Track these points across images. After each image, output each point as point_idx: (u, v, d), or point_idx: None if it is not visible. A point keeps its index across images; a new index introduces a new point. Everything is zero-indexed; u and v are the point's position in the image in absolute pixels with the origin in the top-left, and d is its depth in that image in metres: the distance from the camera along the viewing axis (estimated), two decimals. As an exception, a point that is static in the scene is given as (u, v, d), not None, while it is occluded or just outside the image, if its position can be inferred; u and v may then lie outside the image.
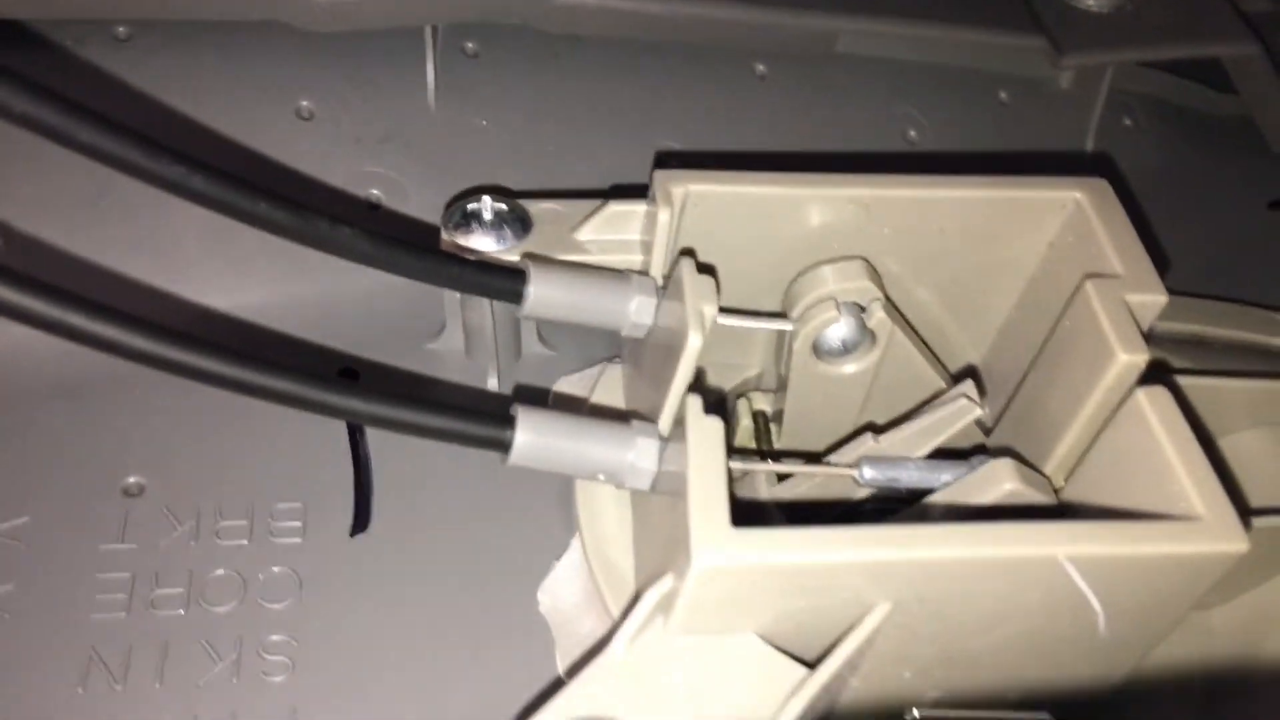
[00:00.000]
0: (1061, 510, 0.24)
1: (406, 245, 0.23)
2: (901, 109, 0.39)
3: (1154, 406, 0.22)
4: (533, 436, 0.23)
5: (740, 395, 0.30)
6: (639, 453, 0.23)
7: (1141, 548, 0.20)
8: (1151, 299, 0.24)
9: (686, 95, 0.36)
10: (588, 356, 0.30)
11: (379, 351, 0.30)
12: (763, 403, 0.30)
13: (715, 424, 0.21)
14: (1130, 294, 0.24)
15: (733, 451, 0.29)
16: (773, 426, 0.29)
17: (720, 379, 0.30)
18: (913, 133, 0.39)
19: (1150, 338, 0.34)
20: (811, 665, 0.20)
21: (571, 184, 0.33)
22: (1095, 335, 0.24)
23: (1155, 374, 0.24)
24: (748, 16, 0.34)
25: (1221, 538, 0.20)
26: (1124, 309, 0.24)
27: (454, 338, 0.30)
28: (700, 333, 0.23)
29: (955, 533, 0.20)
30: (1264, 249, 0.43)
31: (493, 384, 0.30)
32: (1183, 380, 0.29)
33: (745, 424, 0.29)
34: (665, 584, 0.20)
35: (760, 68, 0.38)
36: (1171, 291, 0.36)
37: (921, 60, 0.39)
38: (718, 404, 0.30)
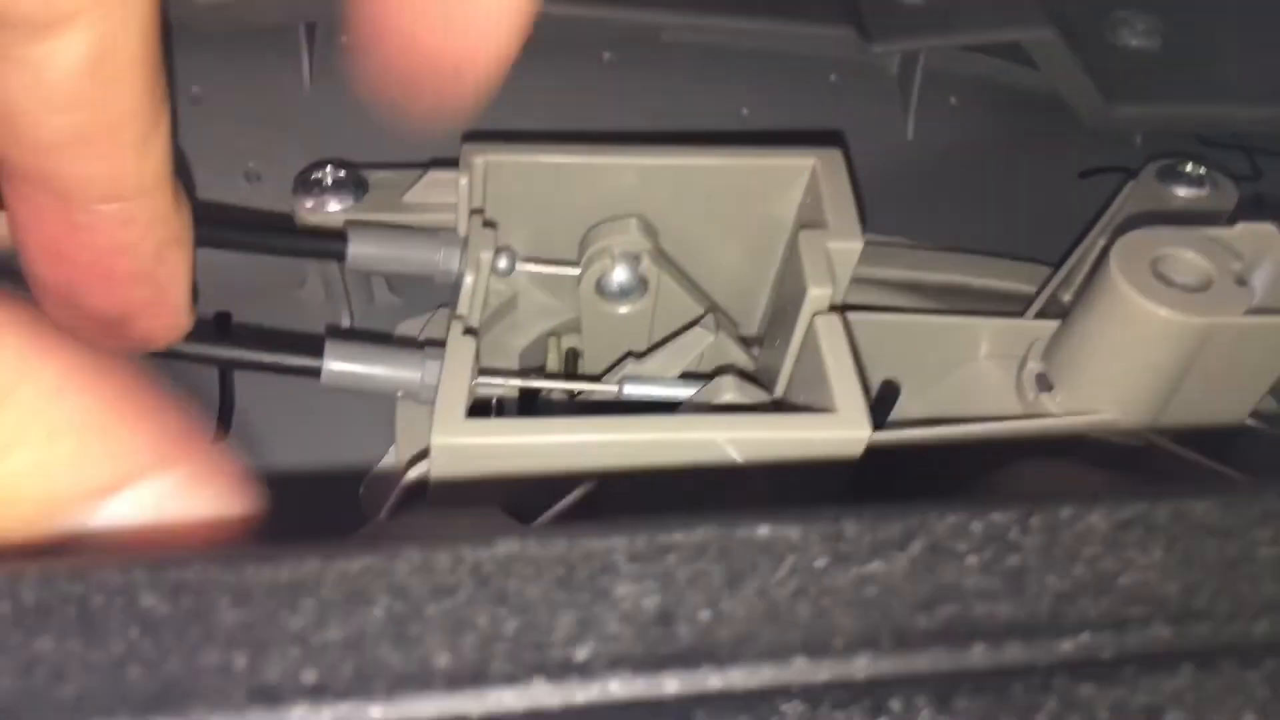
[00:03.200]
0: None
1: (236, 226, 0.29)
2: (737, 91, 0.44)
3: (824, 328, 0.28)
4: (338, 363, 0.28)
5: (553, 334, 0.35)
6: (426, 371, 0.29)
7: (784, 432, 0.25)
8: (849, 245, 0.30)
9: (538, 81, 0.42)
10: (430, 302, 0.36)
11: (252, 300, 0.35)
12: (576, 342, 0.36)
13: (469, 340, 0.27)
14: (831, 242, 0.30)
15: (539, 374, 0.35)
16: (580, 361, 0.35)
17: (542, 321, 0.36)
18: (745, 111, 0.44)
19: (919, 287, 0.39)
20: (540, 528, 0.26)
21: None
22: (799, 274, 0.29)
23: (849, 307, 0.29)
24: (579, 11, 0.39)
25: (849, 427, 0.25)
26: (823, 253, 0.29)
27: (315, 288, 0.36)
28: (474, 272, 0.29)
29: (639, 421, 0.25)
30: (1074, 213, 0.48)
31: (345, 325, 0.36)
32: (935, 318, 0.35)
33: (553, 357, 0.35)
34: (423, 466, 0.26)
35: (607, 55, 0.43)
36: (961, 249, 0.42)
37: (755, 47, 0.44)
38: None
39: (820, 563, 0.15)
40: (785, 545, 0.15)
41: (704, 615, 0.14)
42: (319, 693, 0.13)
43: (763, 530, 0.15)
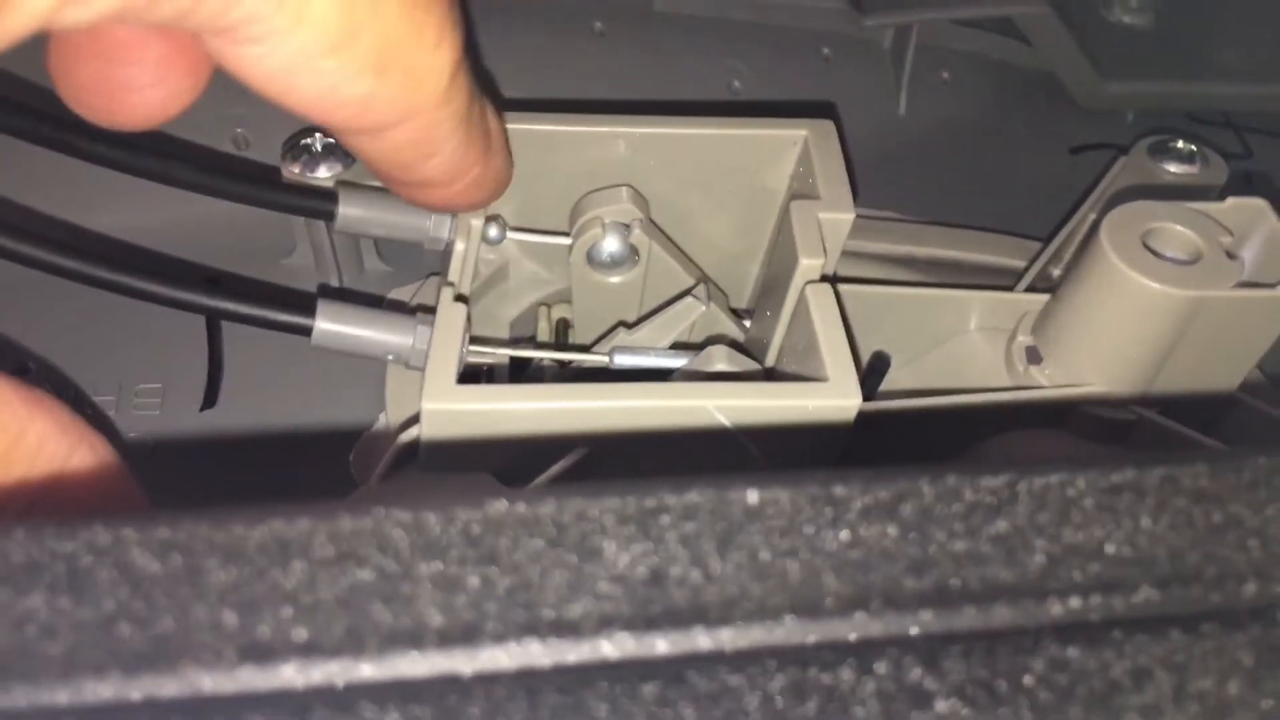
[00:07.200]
0: (765, 386, 0.30)
1: (228, 174, 0.29)
2: (729, 63, 0.44)
3: (815, 298, 0.28)
4: (329, 324, 0.28)
5: (543, 304, 0.35)
6: (418, 337, 0.29)
7: (775, 400, 0.25)
8: (841, 217, 0.30)
9: (531, 52, 0.42)
10: (420, 271, 0.36)
11: (242, 266, 0.35)
12: (567, 312, 0.36)
13: (460, 307, 0.27)
14: (823, 212, 0.30)
15: (529, 344, 0.35)
16: (571, 330, 0.35)
17: (532, 291, 0.36)
18: (737, 84, 0.44)
19: (912, 261, 0.39)
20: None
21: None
22: (791, 245, 0.29)
23: (841, 279, 0.29)
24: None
25: (840, 395, 0.25)
26: (814, 224, 0.29)
27: (304, 254, 0.36)
28: (465, 239, 0.29)
29: (630, 388, 0.25)
30: (1065, 190, 0.48)
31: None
32: (926, 291, 0.35)
33: (543, 326, 0.35)
34: (414, 431, 0.26)
35: (599, 25, 0.43)
36: (952, 224, 0.42)
37: (747, 19, 0.44)
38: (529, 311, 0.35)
39: (810, 526, 0.15)
40: (775, 508, 0.15)
41: (694, 576, 0.14)
42: (310, 650, 0.13)
43: (752, 494, 0.15)
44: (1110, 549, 0.15)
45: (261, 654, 0.13)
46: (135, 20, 0.16)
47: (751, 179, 0.33)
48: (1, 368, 0.32)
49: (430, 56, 0.20)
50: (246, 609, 0.13)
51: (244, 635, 0.13)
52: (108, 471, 0.18)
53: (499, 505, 0.14)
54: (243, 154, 0.38)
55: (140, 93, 0.19)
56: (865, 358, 0.34)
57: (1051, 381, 0.31)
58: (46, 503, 0.18)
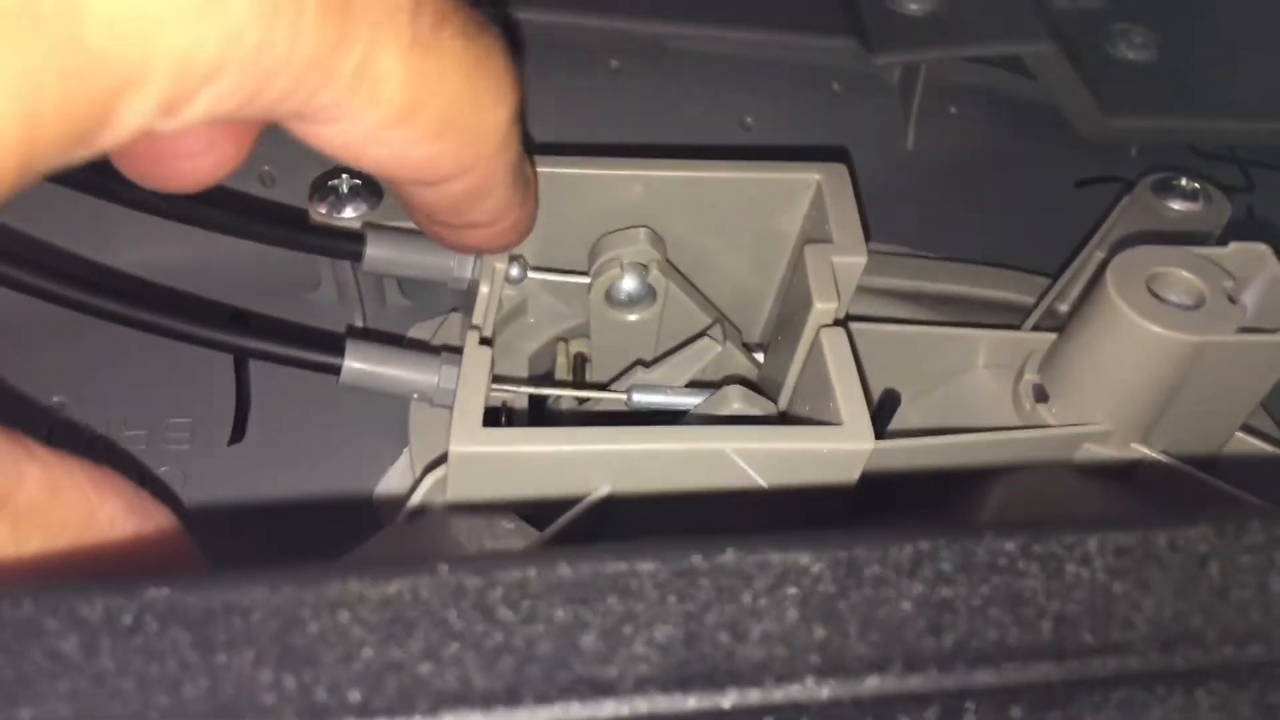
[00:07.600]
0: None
1: (262, 218, 0.30)
2: (741, 98, 0.45)
3: (829, 342, 0.28)
4: (357, 363, 0.29)
5: (561, 340, 0.36)
6: (443, 376, 0.29)
7: (791, 444, 0.26)
8: (854, 260, 0.30)
9: (547, 89, 0.42)
10: (440, 306, 0.37)
11: (268, 300, 0.36)
12: (584, 347, 0.36)
13: (485, 351, 0.28)
14: (836, 256, 0.30)
15: (549, 382, 0.35)
16: (588, 365, 0.36)
17: (551, 326, 0.36)
18: (749, 119, 0.45)
19: (922, 297, 0.40)
20: (553, 535, 0.27)
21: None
22: (804, 288, 0.30)
23: (852, 319, 0.30)
24: (588, 21, 0.40)
25: (854, 439, 0.26)
26: (828, 267, 0.30)
27: (329, 290, 0.37)
28: (489, 281, 0.30)
29: (652, 431, 0.26)
30: (1071, 223, 0.48)
31: (359, 326, 0.37)
32: (934, 329, 0.36)
33: (562, 362, 0.36)
34: (440, 472, 0.27)
35: (614, 63, 0.44)
36: (957, 259, 0.43)
37: (759, 56, 0.45)
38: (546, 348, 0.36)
39: (833, 588, 0.16)
40: (799, 570, 0.16)
41: (723, 637, 0.15)
42: (364, 711, 0.14)
43: (778, 556, 0.16)
44: (1119, 609, 0.16)
45: (318, 715, 0.14)
46: (220, 121, 0.17)
47: (766, 221, 0.34)
48: (29, 404, 0.33)
49: (489, 115, 0.21)
50: (304, 670, 0.14)
51: (302, 697, 0.14)
52: (172, 543, 0.18)
53: (541, 569, 0.15)
54: (269, 190, 0.39)
55: (191, 160, 0.20)
56: (875, 394, 0.35)
57: (1058, 419, 0.32)
58: (114, 573, 0.18)
